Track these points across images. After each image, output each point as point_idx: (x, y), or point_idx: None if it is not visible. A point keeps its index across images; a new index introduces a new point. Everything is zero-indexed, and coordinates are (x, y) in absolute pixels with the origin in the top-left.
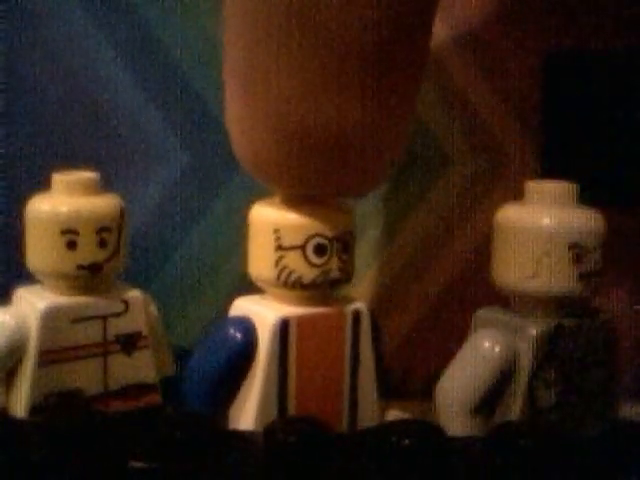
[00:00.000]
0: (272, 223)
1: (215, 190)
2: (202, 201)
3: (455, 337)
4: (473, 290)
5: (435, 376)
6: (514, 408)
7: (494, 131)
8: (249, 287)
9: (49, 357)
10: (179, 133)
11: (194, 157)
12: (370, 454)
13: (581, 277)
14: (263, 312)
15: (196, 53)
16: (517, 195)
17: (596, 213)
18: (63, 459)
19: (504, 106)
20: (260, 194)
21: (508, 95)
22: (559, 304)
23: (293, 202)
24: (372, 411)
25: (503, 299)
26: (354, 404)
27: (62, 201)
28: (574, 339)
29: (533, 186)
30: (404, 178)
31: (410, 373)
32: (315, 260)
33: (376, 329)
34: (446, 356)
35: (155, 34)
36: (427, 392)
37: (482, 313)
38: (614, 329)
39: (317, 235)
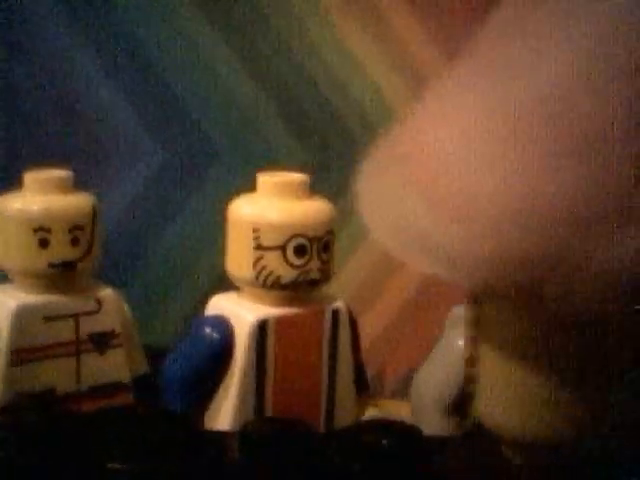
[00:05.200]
0: (251, 222)
1: (190, 188)
2: (177, 199)
3: (430, 335)
4: (448, 287)
5: (409, 374)
6: None
7: None
8: (225, 285)
9: (21, 356)
10: (154, 131)
11: (169, 155)
12: (348, 454)
13: None
14: (241, 312)
15: (171, 52)
16: None
17: None
18: (35, 460)
19: None
20: (235, 192)
21: None
22: None
23: (273, 200)
24: (350, 410)
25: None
26: (331, 403)
27: (34, 199)
28: None
29: None
30: None
31: (384, 371)
32: (295, 261)
33: (354, 328)
34: (421, 354)
35: (131, 33)
36: (401, 390)
37: (456, 311)
38: None
39: (298, 235)
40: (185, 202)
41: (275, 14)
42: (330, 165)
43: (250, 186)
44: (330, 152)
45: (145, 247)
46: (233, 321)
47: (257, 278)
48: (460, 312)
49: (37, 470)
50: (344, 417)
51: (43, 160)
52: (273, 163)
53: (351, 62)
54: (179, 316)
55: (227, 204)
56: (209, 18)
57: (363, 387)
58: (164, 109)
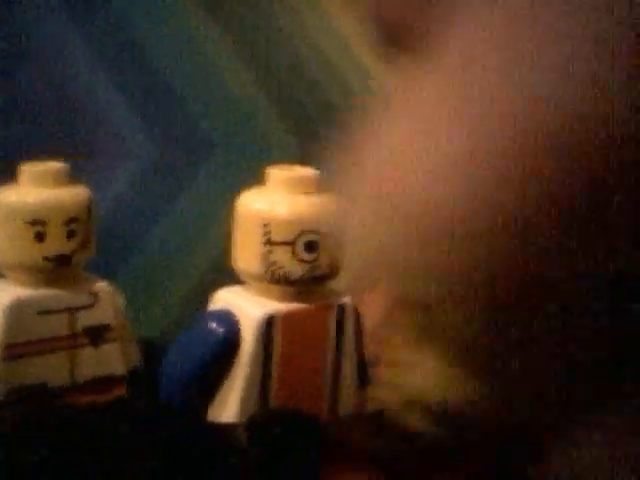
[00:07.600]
0: (262, 217)
1: (182, 182)
2: (169, 193)
3: None
4: None
5: None
6: None
7: None
8: (219, 278)
9: (15, 351)
10: (147, 126)
11: (161, 149)
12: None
13: None
14: (248, 307)
15: (167, 48)
16: None
17: None
18: (35, 456)
19: None
20: (228, 187)
21: None
22: None
23: (284, 195)
24: (352, 403)
25: None
26: (334, 396)
27: (29, 192)
28: None
29: None
30: None
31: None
32: (305, 256)
33: (358, 323)
34: None
35: (127, 30)
36: None
37: None
38: None
39: (308, 231)
40: (177, 196)
41: (273, 9)
42: (327, 161)
43: (245, 179)
44: (327, 148)
45: (137, 240)
46: (239, 316)
47: (266, 272)
48: None
49: (37, 466)
50: (347, 410)
51: (36, 153)
52: (268, 158)
53: (353, 60)
54: (169, 309)
55: (223, 197)
56: (206, 13)
57: (364, 380)
58: (158, 105)
